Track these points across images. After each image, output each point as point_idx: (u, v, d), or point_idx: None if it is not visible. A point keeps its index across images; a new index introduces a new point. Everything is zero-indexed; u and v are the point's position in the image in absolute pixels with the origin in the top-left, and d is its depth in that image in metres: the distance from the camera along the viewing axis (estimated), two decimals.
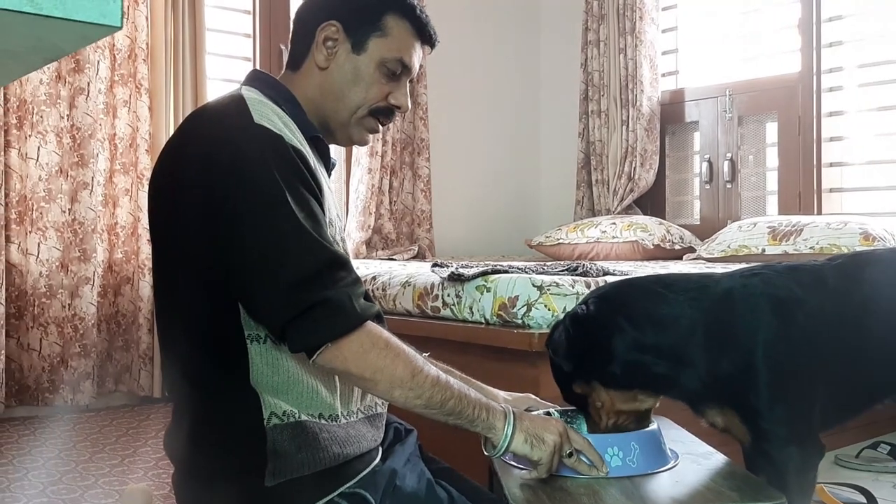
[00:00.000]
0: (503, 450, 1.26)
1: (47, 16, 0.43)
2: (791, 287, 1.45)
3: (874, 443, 2.72)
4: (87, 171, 3.38)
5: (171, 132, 3.55)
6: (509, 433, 1.25)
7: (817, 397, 1.43)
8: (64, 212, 3.36)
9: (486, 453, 1.31)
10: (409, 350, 1.23)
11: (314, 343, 1.16)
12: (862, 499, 2.25)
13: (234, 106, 1.27)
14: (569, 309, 2.13)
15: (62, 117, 3.34)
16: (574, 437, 1.32)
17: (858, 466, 2.64)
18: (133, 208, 3.57)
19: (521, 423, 1.27)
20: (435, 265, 2.57)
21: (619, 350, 1.38)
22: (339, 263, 1.20)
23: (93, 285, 3.40)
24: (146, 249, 3.56)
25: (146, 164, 3.56)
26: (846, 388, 1.49)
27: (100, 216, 3.45)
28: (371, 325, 1.20)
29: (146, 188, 3.49)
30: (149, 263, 3.55)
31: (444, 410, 1.23)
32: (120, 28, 0.49)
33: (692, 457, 1.44)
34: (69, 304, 3.36)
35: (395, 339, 1.22)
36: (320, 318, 1.15)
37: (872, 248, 2.93)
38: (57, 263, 3.34)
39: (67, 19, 0.43)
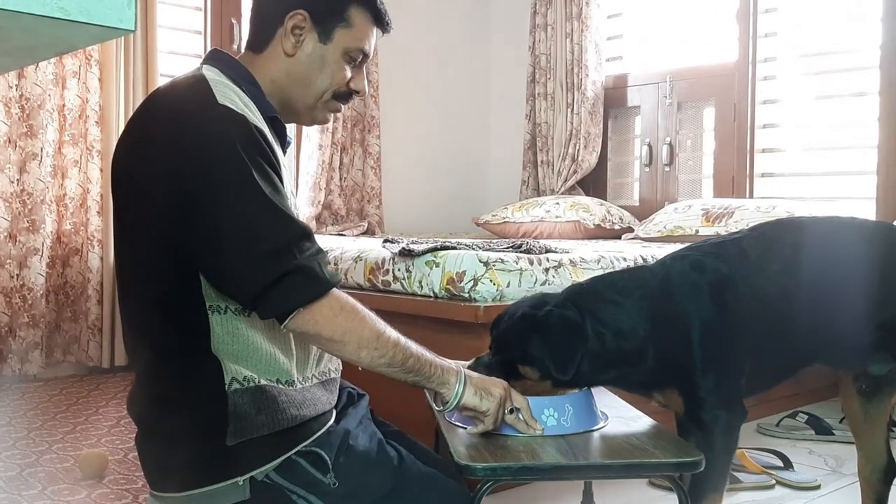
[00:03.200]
0: (454, 404, 1.37)
1: (73, 20, 0.50)
2: (718, 268, 1.59)
3: (794, 412, 2.91)
4: (36, 141, 3.37)
5: (122, 104, 3.57)
6: (461, 389, 1.37)
7: (744, 367, 1.58)
8: (12, 182, 3.35)
9: (437, 408, 1.42)
10: (373, 314, 1.33)
11: (287, 308, 1.24)
12: (779, 462, 2.42)
13: (198, 86, 1.32)
14: (513, 284, 2.26)
15: (11, 87, 3.32)
16: (516, 397, 1.43)
17: (778, 434, 2.83)
18: (82, 180, 3.57)
19: (472, 378, 1.39)
20: (386, 241, 2.66)
21: (589, 362, 1.51)
22: (306, 234, 1.28)
23: (41, 256, 3.40)
24: (95, 221, 3.56)
25: (95, 136, 3.55)
26: (771, 356, 1.63)
27: (49, 187, 3.44)
28: (338, 291, 1.29)
29: (95, 160, 3.53)
30: (98, 235, 3.56)
31: (405, 369, 1.33)
32: (133, 31, 0.57)
33: (622, 419, 1.57)
34: (17, 275, 3.36)
35: (359, 304, 1.32)
36: (292, 285, 1.23)
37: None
38: (5, 234, 3.34)
39: (90, 24, 0.50)
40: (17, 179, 3.36)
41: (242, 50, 1.50)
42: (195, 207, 1.24)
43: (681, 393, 1.57)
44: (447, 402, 1.38)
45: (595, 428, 1.49)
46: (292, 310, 1.24)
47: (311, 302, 1.25)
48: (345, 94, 1.49)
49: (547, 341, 1.50)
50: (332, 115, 1.53)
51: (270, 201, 1.25)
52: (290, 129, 4.07)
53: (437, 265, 2.35)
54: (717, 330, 1.54)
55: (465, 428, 1.47)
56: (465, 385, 1.37)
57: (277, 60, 1.43)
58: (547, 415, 1.46)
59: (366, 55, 1.49)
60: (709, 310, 1.54)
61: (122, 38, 3.58)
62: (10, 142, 3.33)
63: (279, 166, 1.33)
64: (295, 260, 1.24)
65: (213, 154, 1.24)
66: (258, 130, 1.30)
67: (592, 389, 1.59)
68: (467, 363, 1.71)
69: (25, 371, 3.38)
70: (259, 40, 1.46)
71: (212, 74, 1.36)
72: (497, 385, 1.41)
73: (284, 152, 1.47)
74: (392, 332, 1.33)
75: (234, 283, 1.26)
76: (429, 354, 1.38)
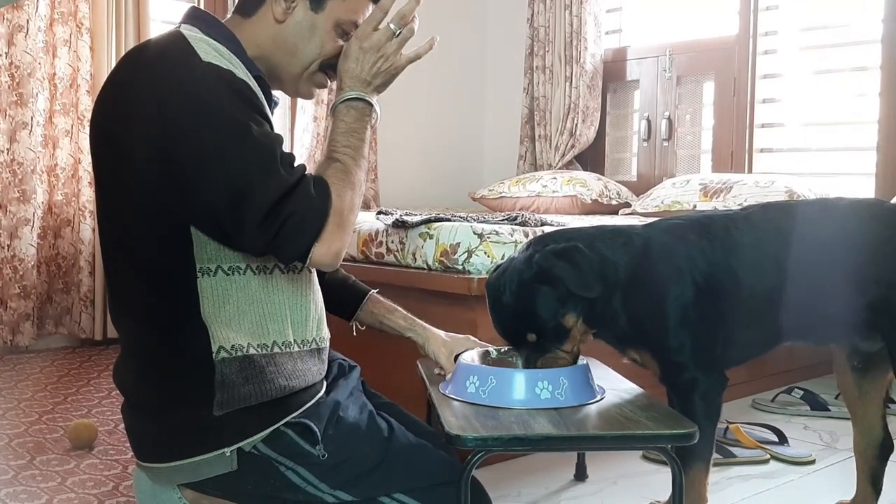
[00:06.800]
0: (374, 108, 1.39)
1: None
2: (700, 240, 1.59)
3: (789, 388, 2.90)
4: (27, 110, 3.32)
5: None
6: (373, 103, 1.40)
7: (718, 335, 1.58)
8: (2, 151, 3.31)
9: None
10: (337, 175, 1.29)
11: (306, 245, 1.23)
12: (774, 437, 2.42)
13: (178, 45, 1.28)
14: (508, 256, 2.23)
15: (0, 55, 3.27)
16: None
17: (773, 409, 2.82)
18: (73, 150, 3.53)
19: (363, 88, 1.38)
20: (380, 212, 2.63)
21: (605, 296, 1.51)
22: (293, 184, 1.23)
23: (32, 227, 3.37)
24: (87, 192, 3.53)
25: (87, 105, 3.50)
26: (748, 330, 1.62)
27: (39, 157, 3.41)
28: (332, 206, 1.25)
29: (87, 130, 3.47)
30: (90, 206, 3.52)
31: (364, 150, 1.35)
32: None
33: (616, 392, 1.55)
34: (8, 245, 3.33)
35: (336, 185, 1.27)
36: (296, 226, 1.22)
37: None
38: None
39: None
40: (7, 149, 3.32)
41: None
42: (189, 169, 1.21)
43: (653, 355, 1.58)
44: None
45: (590, 402, 1.47)
46: (309, 248, 1.23)
47: (318, 235, 1.23)
48: (333, 67, 1.45)
49: (559, 282, 1.48)
50: (317, 89, 1.49)
51: (271, 152, 1.22)
52: (285, 100, 3.99)
53: (431, 237, 2.32)
54: (689, 298, 1.54)
55: (458, 399, 1.46)
56: (363, 96, 1.38)
57: (266, 26, 1.39)
58: (541, 387, 1.44)
59: (358, 27, 1.44)
60: (684, 278, 1.55)
61: (114, 6, 3.54)
62: None
63: (269, 117, 1.31)
64: (294, 205, 1.22)
65: (203, 114, 1.21)
66: (245, 84, 1.27)
67: (590, 365, 1.58)
68: (459, 336, 1.70)
69: (17, 342, 3.36)
70: (248, 4, 1.42)
71: (190, 32, 1.32)
72: (364, 57, 1.38)
73: (272, 113, 1.44)
74: (347, 163, 1.32)
75: (241, 240, 1.25)
76: (351, 124, 1.36)
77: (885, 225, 1.64)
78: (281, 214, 1.20)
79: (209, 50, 1.28)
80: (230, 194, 1.20)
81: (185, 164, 1.21)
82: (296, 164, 1.26)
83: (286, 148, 1.29)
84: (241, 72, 1.30)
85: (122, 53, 3.49)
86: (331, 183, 1.27)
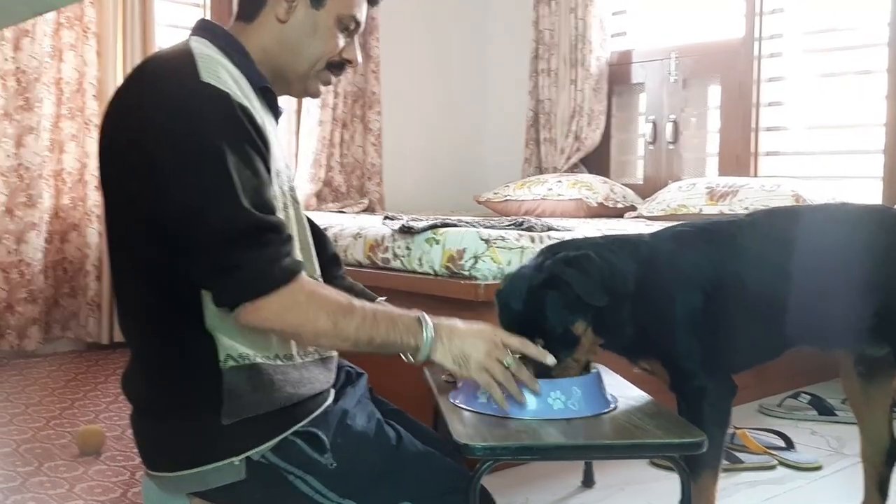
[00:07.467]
0: (423, 360, 1.34)
1: None
2: (705, 248, 1.60)
3: (796, 393, 2.89)
4: (33, 115, 3.33)
5: (119, 78, 3.53)
6: (426, 348, 1.33)
7: (726, 342, 1.58)
8: (9, 156, 3.32)
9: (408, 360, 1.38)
10: (334, 299, 1.27)
11: (231, 302, 1.21)
12: (781, 443, 2.41)
13: (182, 61, 1.28)
14: (514, 262, 2.24)
15: (6, 59, 3.28)
16: (508, 342, 1.37)
17: (780, 414, 2.81)
18: (80, 154, 3.53)
19: (441, 341, 1.33)
20: (386, 218, 2.63)
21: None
22: (265, 227, 1.22)
23: (39, 231, 3.38)
24: (93, 196, 3.54)
25: (93, 110, 3.52)
26: (755, 335, 1.62)
27: (46, 161, 3.41)
28: (292, 285, 1.23)
29: (93, 134, 3.50)
30: (96, 210, 3.53)
31: (373, 346, 1.30)
32: None
33: (624, 399, 1.55)
34: (15, 250, 3.34)
35: (319, 291, 1.26)
36: (237, 280, 1.20)
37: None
38: (2, 208, 3.31)
39: None
40: (14, 153, 3.33)
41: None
42: (162, 188, 1.21)
43: (663, 363, 1.58)
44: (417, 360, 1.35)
45: (604, 412, 1.46)
46: (236, 304, 1.21)
47: (255, 298, 1.20)
48: (337, 65, 1.46)
49: (568, 288, 1.47)
50: (324, 87, 1.50)
51: (233, 188, 1.19)
52: (290, 104, 4.00)
53: (438, 242, 2.32)
54: (697, 305, 1.55)
55: (470, 410, 1.45)
56: (430, 347, 1.33)
57: (269, 28, 1.40)
58: (553, 398, 1.43)
59: (358, 23, 1.45)
60: (691, 286, 1.55)
61: (121, 10, 3.55)
62: (6, 115, 3.30)
63: (267, 141, 1.29)
64: (246, 252, 1.20)
65: (180, 134, 1.21)
66: (242, 108, 1.25)
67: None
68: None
69: (24, 347, 3.37)
70: (250, 9, 1.42)
71: (199, 46, 1.32)
72: (478, 347, 1.35)
73: (276, 122, 1.44)
74: (356, 314, 1.28)
75: (187, 264, 1.24)
76: (401, 325, 1.32)
77: (892, 233, 1.64)
78: (233, 256, 1.19)
79: (214, 67, 1.27)
80: (189, 218, 1.20)
81: (165, 180, 1.20)
82: (272, 215, 1.24)
83: (288, 172, 1.27)
84: (244, 91, 1.29)
85: (129, 57, 3.52)
86: (308, 294, 1.24)
